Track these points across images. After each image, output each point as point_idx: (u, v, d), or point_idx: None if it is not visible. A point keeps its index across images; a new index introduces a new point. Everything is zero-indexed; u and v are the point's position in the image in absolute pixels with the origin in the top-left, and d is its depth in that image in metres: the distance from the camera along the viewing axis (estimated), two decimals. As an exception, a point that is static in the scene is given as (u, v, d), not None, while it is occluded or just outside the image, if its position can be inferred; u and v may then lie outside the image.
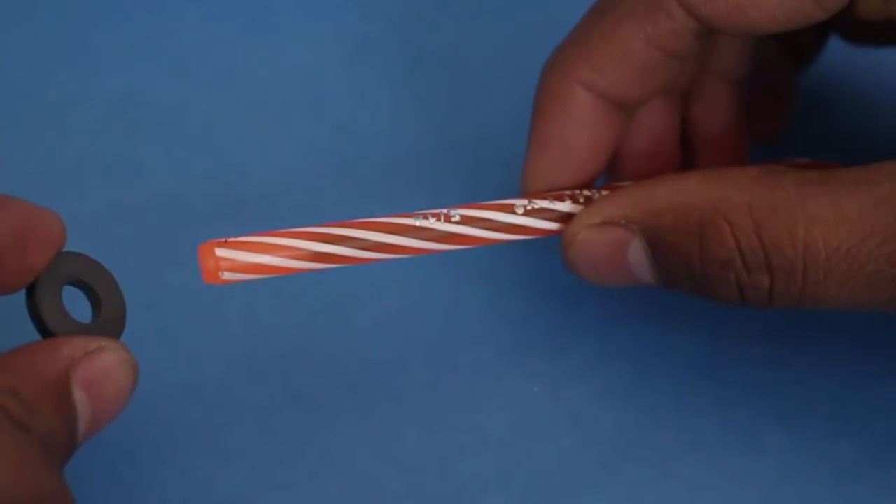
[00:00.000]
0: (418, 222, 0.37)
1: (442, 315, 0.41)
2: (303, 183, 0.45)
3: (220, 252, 0.36)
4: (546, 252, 0.43)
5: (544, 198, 0.38)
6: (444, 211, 0.38)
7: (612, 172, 0.41)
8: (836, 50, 0.45)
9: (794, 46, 0.44)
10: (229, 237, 0.37)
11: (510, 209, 0.38)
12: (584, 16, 0.39)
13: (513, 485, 0.38)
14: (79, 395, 0.33)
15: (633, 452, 0.39)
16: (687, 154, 0.42)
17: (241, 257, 0.36)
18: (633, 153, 0.40)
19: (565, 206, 0.38)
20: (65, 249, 0.37)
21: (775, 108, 0.43)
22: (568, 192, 0.39)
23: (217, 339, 0.41)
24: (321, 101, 0.47)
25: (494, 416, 0.40)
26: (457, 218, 0.38)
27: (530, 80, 0.40)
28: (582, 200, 0.38)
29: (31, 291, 0.36)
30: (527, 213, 0.38)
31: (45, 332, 0.35)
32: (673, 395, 0.40)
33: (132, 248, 0.43)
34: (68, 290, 0.36)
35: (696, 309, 0.40)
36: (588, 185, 0.39)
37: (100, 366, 0.34)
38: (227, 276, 0.36)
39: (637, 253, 0.36)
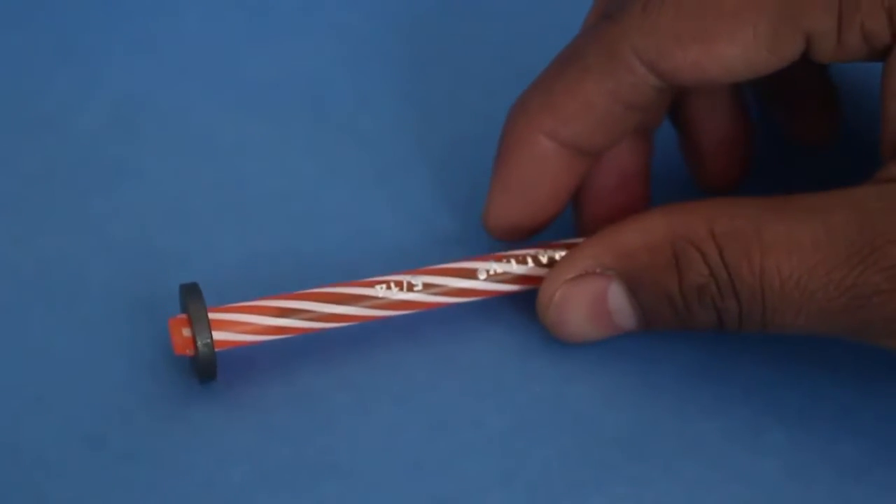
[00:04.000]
0: (381, 293, 0.39)
1: (443, 315, 0.41)
2: (304, 184, 0.45)
3: (187, 333, 0.38)
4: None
5: (507, 260, 0.39)
6: (407, 279, 0.39)
7: (579, 209, 0.42)
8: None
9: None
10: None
11: (472, 275, 0.39)
12: (549, 64, 0.39)
13: (514, 484, 0.38)
14: None
15: (634, 452, 0.39)
16: (692, 158, 0.42)
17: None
18: (600, 190, 0.41)
19: (527, 270, 0.39)
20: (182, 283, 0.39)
21: (821, 108, 0.43)
22: (530, 253, 0.39)
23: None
24: (323, 102, 0.47)
25: (496, 416, 0.40)
26: (419, 286, 0.39)
27: (530, 79, 0.40)
28: (545, 261, 0.39)
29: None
30: (489, 279, 0.39)
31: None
32: (674, 394, 0.40)
33: (134, 251, 0.43)
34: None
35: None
36: (547, 224, 0.40)
37: None
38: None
39: (618, 299, 0.37)
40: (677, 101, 0.42)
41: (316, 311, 0.38)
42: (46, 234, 0.43)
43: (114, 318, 0.41)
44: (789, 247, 0.35)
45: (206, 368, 0.38)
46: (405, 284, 0.39)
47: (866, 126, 0.45)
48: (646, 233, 0.36)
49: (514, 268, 0.39)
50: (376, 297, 0.39)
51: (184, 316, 0.38)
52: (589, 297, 0.37)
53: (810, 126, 0.43)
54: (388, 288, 0.39)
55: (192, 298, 0.38)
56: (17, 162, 0.45)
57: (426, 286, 0.39)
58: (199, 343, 0.38)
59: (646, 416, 0.40)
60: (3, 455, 0.38)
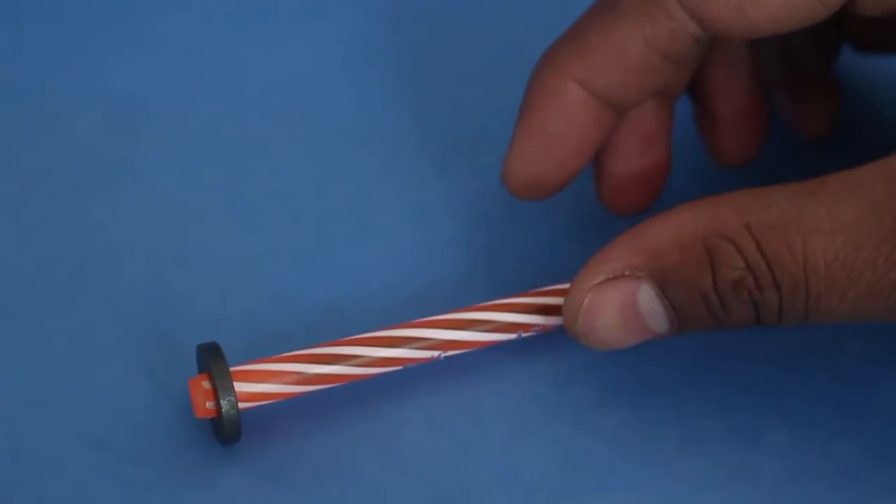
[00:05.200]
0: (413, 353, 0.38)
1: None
2: (305, 184, 0.45)
3: (210, 406, 0.37)
4: (547, 252, 0.43)
5: (536, 330, 0.39)
6: (434, 354, 0.38)
7: (600, 171, 0.41)
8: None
9: (819, 40, 0.44)
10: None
11: (500, 342, 0.39)
12: (582, 14, 0.39)
13: (515, 485, 0.38)
14: None
15: (635, 452, 0.39)
16: (708, 130, 0.42)
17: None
18: (623, 152, 0.40)
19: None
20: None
21: (822, 100, 0.43)
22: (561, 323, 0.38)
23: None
24: (323, 101, 0.47)
25: (497, 416, 0.40)
26: (441, 359, 0.39)
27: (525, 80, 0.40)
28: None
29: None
30: (514, 339, 0.39)
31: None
32: (675, 395, 0.40)
33: (134, 251, 0.43)
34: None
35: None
36: (568, 181, 0.39)
37: None
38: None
39: (649, 301, 0.35)
40: (697, 72, 0.41)
41: (338, 368, 0.38)
42: (46, 234, 0.43)
43: (113, 319, 0.41)
44: (832, 227, 0.33)
45: (230, 432, 0.37)
46: (431, 359, 0.38)
47: (866, 121, 0.46)
48: (675, 230, 0.35)
49: (542, 333, 0.39)
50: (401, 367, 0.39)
51: (205, 378, 0.37)
52: (618, 301, 0.35)
53: (812, 117, 0.43)
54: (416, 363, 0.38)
55: (214, 360, 0.37)
56: (18, 161, 0.45)
57: (447, 357, 0.39)
58: (223, 407, 0.37)
59: (647, 416, 0.39)
60: (3, 455, 0.38)
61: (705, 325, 0.36)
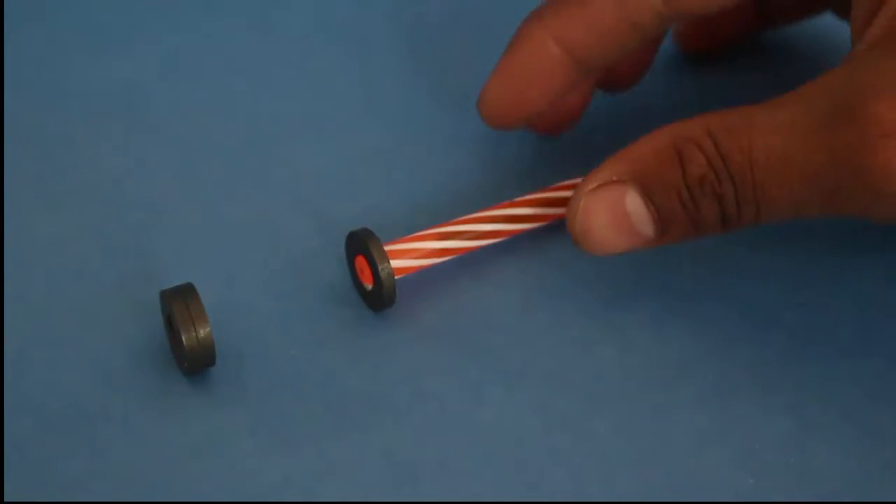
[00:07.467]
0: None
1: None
2: (307, 182, 0.45)
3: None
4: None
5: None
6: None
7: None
8: None
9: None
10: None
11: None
12: None
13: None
14: None
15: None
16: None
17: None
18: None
19: None
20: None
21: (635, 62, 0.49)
22: None
23: (218, 331, 0.41)
24: (323, 100, 0.47)
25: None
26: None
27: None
28: None
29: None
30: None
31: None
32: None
33: (133, 248, 0.43)
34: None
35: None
36: (528, 118, 0.46)
37: None
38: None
39: (634, 203, 0.41)
40: None
41: (473, 230, 0.43)
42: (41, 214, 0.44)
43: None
44: (773, 127, 0.39)
45: (388, 295, 0.41)
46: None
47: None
48: (652, 142, 0.41)
49: None
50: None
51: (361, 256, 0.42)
52: (608, 203, 0.41)
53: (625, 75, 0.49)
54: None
55: (369, 238, 0.42)
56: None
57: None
58: (380, 272, 0.41)
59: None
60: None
61: (683, 226, 0.41)
